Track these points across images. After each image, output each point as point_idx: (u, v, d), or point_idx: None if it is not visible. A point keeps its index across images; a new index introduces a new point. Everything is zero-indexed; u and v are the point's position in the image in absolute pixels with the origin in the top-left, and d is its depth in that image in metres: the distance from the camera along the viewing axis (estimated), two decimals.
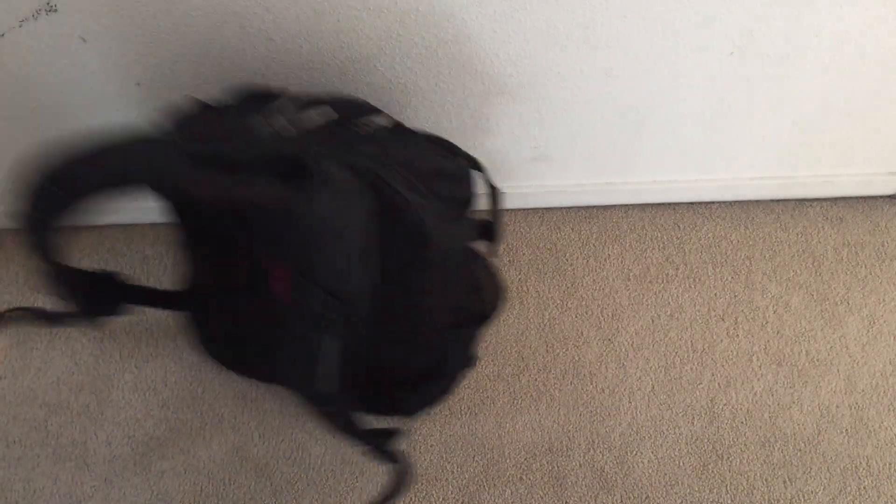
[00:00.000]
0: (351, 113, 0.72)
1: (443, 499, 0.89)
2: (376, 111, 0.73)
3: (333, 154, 0.61)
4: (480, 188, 0.75)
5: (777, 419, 0.93)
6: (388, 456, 0.72)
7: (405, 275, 0.65)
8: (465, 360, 0.92)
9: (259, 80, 0.83)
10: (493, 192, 0.77)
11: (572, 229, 1.07)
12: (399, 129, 0.74)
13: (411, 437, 0.92)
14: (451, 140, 0.94)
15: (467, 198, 0.73)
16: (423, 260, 0.67)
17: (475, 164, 0.75)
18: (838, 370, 0.96)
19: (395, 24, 0.76)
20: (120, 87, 0.83)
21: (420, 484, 0.89)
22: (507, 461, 0.91)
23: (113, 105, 0.85)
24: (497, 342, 0.98)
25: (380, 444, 0.72)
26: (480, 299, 0.91)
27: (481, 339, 0.93)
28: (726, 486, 0.89)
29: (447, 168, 0.70)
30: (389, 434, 0.72)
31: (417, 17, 0.75)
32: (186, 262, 0.79)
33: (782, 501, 0.88)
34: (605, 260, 1.04)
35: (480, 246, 0.79)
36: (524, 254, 1.04)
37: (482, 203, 0.76)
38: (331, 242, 0.58)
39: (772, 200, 1.09)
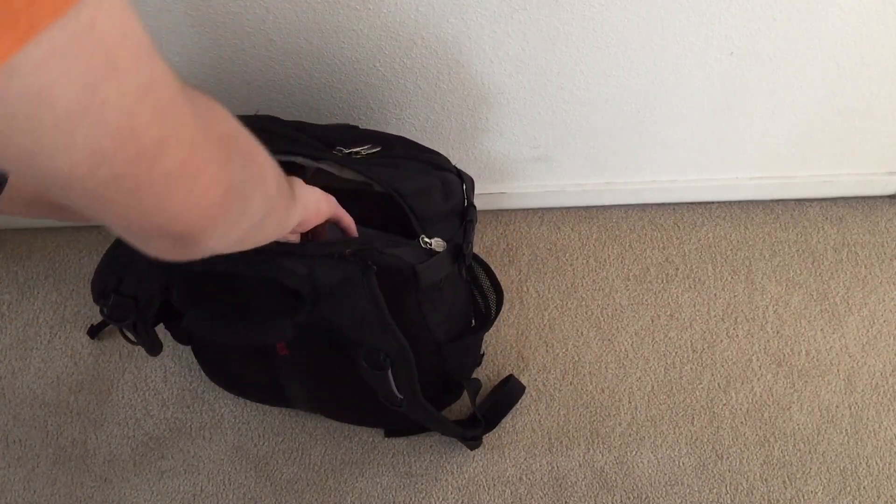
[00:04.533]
0: (339, 143, 0.74)
1: (443, 499, 0.89)
2: (363, 139, 0.76)
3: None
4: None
5: (777, 419, 0.93)
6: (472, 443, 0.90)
7: (398, 311, 0.70)
8: (472, 362, 0.92)
9: (258, 81, 0.83)
10: (469, 209, 0.80)
11: (572, 229, 1.07)
12: (384, 154, 0.75)
13: (411, 438, 0.92)
14: (451, 140, 0.94)
15: (460, 206, 0.77)
16: (412, 295, 0.72)
17: (459, 176, 0.79)
18: (838, 370, 0.96)
19: (395, 24, 0.76)
20: None
21: (420, 484, 0.89)
22: (507, 461, 0.91)
23: None
24: (497, 342, 0.98)
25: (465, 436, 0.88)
26: (480, 305, 0.91)
27: (483, 339, 0.93)
28: (726, 485, 0.89)
29: (433, 184, 0.74)
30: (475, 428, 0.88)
31: (417, 18, 0.75)
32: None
33: (782, 501, 0.89)
34: (605, 260, 1.04)
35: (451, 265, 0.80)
36: (524, 254, 1.04)
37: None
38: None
39: (772, 200, 1.09)
